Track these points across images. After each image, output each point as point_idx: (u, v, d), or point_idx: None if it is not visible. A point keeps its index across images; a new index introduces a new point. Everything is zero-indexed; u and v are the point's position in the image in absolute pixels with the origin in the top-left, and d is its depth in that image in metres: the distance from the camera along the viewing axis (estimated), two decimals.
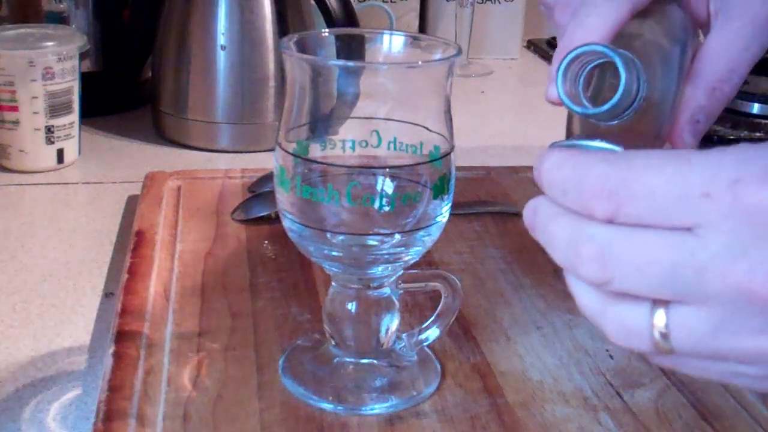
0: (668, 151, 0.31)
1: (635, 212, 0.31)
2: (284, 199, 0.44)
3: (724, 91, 0.47)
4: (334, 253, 0.44)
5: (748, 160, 0.30)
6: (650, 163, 0.31)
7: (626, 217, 0.31)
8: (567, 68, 0.38)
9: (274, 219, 0.64)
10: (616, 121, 0.38)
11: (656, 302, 0.31)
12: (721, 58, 0.46)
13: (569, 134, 0.43)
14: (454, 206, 0.46)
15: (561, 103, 0.39)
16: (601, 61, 0.38)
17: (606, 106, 0.37)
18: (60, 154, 0.80)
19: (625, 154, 0.32)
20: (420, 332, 0.48)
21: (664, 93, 0.45)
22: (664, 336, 0.31)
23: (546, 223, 0.34)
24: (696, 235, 0.30)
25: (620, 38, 0.44)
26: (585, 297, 0.34)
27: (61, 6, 0.90)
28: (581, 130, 0.41)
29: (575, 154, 0.33)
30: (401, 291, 0.47)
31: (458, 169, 0.45)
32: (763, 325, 0.30)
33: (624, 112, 0.38)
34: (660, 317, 0.31)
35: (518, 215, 0.70)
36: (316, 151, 0.43)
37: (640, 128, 0.41)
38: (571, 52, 0.37)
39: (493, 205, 0.70)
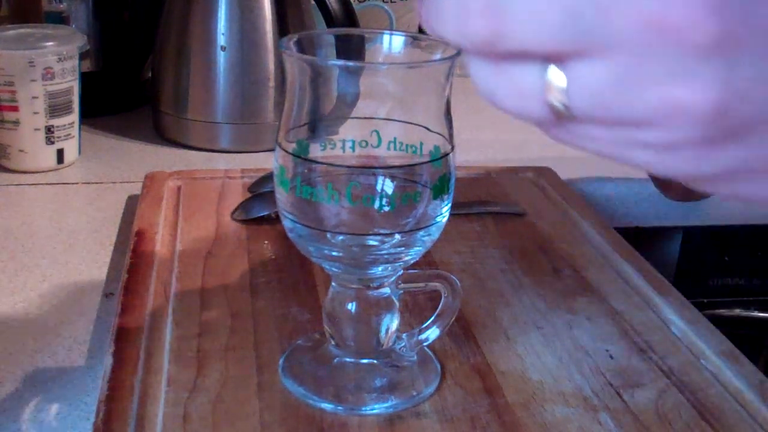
0: None
1: None
2: (284, 199, 0.44)
3: None
4: (334, 253, 0.44)
5: None
6: None
7: None
8: None
9: (274, 219, 0.64)
10: None
11: (550, 59, 0.29)
12: None
13: None
14: (454, 206, 0.46)
15: None
16: None
17: None
18: (60, 154, 0.80)
19: None
20: (420, 332, 0.48)
21: None
22: (560, 97, 0.29)
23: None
24: None
25: None
26: (479, 71, 0.32)
27: (61, 6, 0.90)
28: None
29: None
30: (401, 291, 0.47)
31: (458, 169, 0.45)
32: (673, 66, 0.26)
33: None
34: (556, 75, 0.29)
35: (518, 215, 0.70)
36: (316, 151, 0.43)
37: None
38: None
39: (493, 205, 0.70)
